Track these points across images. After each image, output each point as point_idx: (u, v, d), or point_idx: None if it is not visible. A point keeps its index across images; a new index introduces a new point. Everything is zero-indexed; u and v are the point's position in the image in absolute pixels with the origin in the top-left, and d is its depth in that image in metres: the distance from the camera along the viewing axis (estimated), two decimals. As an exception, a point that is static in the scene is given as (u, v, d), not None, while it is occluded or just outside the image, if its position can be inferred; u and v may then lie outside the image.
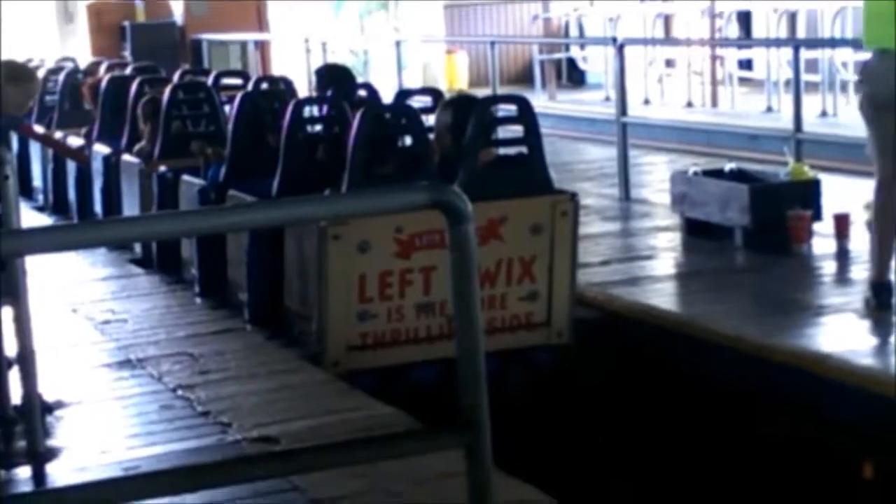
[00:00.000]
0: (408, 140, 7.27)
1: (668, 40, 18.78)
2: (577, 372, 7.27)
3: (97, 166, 10.13)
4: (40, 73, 11.68)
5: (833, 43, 14.99)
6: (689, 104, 16.96)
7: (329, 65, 11.56)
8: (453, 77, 20.71)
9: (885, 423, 6.05)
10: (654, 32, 18.46)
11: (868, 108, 6.90)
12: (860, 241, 8.26)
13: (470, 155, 6.99)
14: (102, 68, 12.91)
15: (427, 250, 6.80)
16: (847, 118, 14.02)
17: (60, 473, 5.31)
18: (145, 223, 2.96)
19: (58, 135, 11.13)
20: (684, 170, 9.52)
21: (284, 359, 6.80)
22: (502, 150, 7.46)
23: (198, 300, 8.09)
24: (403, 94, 8.47)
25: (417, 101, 8.07)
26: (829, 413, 6.37)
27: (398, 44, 16.17)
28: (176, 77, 10.86)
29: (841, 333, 6.77)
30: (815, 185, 8.76)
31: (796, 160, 9.30)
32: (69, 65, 14.06)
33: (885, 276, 7.06)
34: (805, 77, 10.58)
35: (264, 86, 10.15)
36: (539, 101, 15.05)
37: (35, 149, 12.20)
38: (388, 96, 9.31)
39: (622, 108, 11.13)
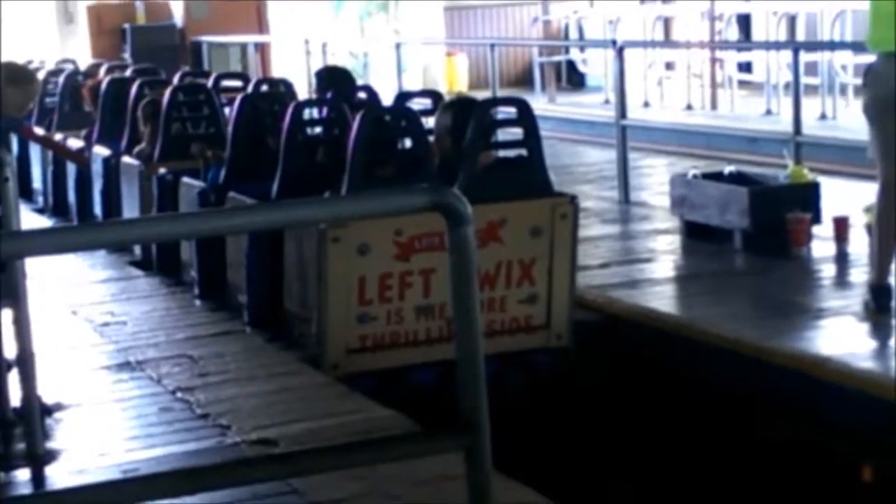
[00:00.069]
0: (408, 142, 7.27)
1: (668, 43, 18.79)
2: (577, 375, 7.27)
3: (97, 168, 10.13)
4: (40, 75, 11.68)
5: (832, 46, 15.00)
6: (689, 107, 16.96)
7: (329, 67, 11.57)
8: (453, 79, 20.72)
9: (884, 427, 6.05)
10: (653, 35, 18.47)
11: (872, 110, 6.89)
12: (859, 245, 8.26)
13: (470, 157, 6.99)
14: (102, 70, 12.90)
15: (427, 253, 6.80)
16: (846, 121, 14.04)
17: (59, 476, 5.31)
18: (145, 225, 2.96)
19: (58, 137, 11.13)
20: (684, 172, 9.52)
21: (284, 361, 6.80)
22: (502, 153, 7.46)
23: (197, 302, 8.09)
24: (403, 97, 8.47)
25: (417, 104, 8.07)
26: (829, 416, 6.37)
27: (398, 46, 16.18)
28: (176, 79, 10.86)
29: (840, 336, 6.77)
30: (814, 188, 8.75)
31: (796, 163, 9.30)
32: (69, 67, 14.06)
33: (885, 280, 7.05)
34: (804, 80, 10.59)
35: (264, 88, 10.16)
36: (539, 103, 15.04)
37: (35, 151, 12.20)
38: (387, 98, 9.32)
39: (622, 111, 11.13)
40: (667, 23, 19.14)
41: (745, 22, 18.44)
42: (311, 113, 8.21)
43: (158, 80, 10.90)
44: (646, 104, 17.23)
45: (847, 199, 9.23)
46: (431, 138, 7.33)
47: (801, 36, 16.77)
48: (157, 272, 8.88)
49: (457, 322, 2.83)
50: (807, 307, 7.37)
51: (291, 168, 7.51)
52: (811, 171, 9.09)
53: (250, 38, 19.95)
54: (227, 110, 9.24)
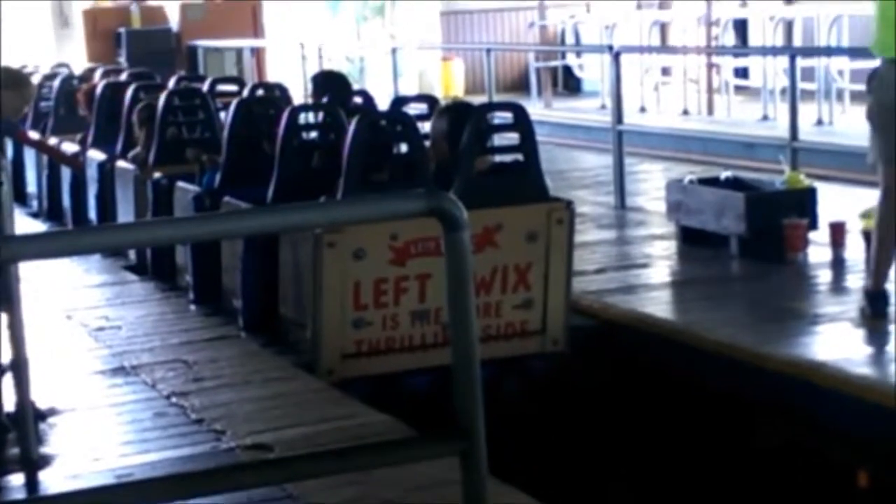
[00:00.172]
0: (403, 147, 7.26)
1: (665, 48, 18.78)
2: (573, 380, 7.26)
3: (92, 173, 10.12)
4: (35, 79, 11.67)
5: (829, 51, 14.99)
6: (685, 112, 16.96)
7: (325, 71, 11.55)
8: (449, 84, 20.71)
9: (880, 432, 6.05)
10: (650, 40, 18.46)
11: (877, 116, 6.87)
12: (856, 250, 8.25)
13: (466, 162, 6.98)
14: (98, 74, 12.90)
15: (422, 258, 6.79)
16: (843, 127, 14.04)
17: (54, 481, 5.30)
18: (140, 230, 2.95)
19: (52, 141, 11.11)
20: (680, 178, 9.51)
21: (279, 366, 6.79)
22: (498, 158, 7.45)
23: (192, 307, 8.08)
24: (399, 101, 8.46)
25: (413, 109, 8.07)
26: (825, 421, 6.36)
27: (394, 51, 16.18)
28: (171, 83, 10.85)
29: (836, 342, 6.76)
30: (810, 194, 8.75)
31: (792, 168, 9.29)
32: (64, 71, 14.05)
33: (882, 286, 7.05)
34: (801, 85, 10.59)
35: (260, 92, 10.15)
36: (535, 108, 15.04)
37: (30, 155, 12.18)
38: (383, 103, 9.31)
39: (618, 116, 11.12)
40: (663, 28, 19.14)
41: (741, 27, 18.45)
42: (306, 117, 8.21)
43: (154, 85, 10.90)
44: (642, 109, 17.21)
45: (843, 204, 9.23)
46: (427, 143, 7.33)
47: (797, 41, 16.77)
48: (151, 277, 8.87)
49: (452, 327, 2.82)
50: (803, 313, 7.36)
51: (287, 173, 7.50)
52: (807, 177, 9.09)
53: (246, 43, 19.94)
54: (222, 115, 9.23)
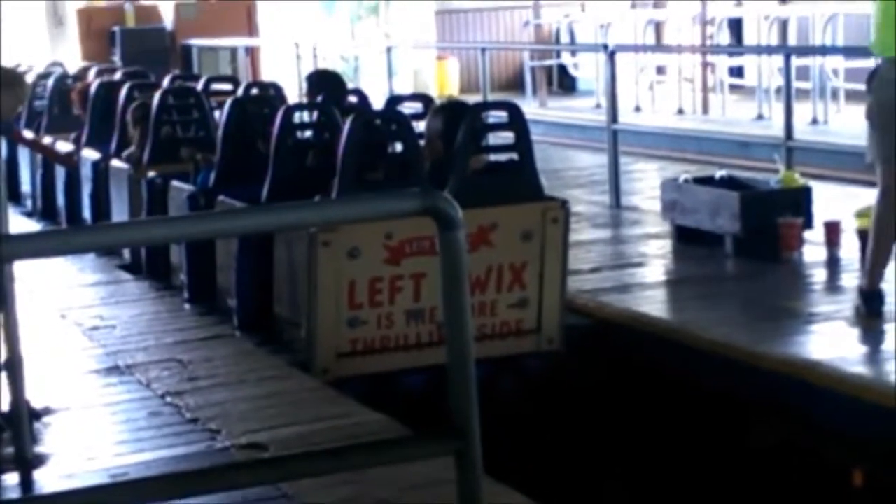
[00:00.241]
0: (398, 146, 7.25)
1: (659, 47, 18.80)
2: (568, 379, 7.26)
3: (86, 172, 10.11)
4: (29, 78, 11.66)
5: (824, 50, 15.01)
6: (680, 111, 16.96)
7: (319, 70, 11.54)
8: (444, 83, 20.71)
9: (875, 432, 6.05)
10: (645, 39, 18.47)
11: (876, 115, 6.87)
12: (851, 249, 8.25)
13: (460, 161, 6.98)
14: (92, 73, 12.88)
15: (417, 257, 6.78)
16: (838, 126, 14.05)
17: (48, 480, 5.29)
18: (134, 229, 2.95)
19: (47, 140, 11.11)
20: (675, 177, 9.51)
21: (274, 365, 6.78)
22: (493, 157, 7.45)
23: (187, 306, 8.07)
24: (394, 101, 8.45)
25: (408, 108, 8.06)
26: (820, 421, 6.36)
27: (389, 50, 16.17)
28: (165, 82, 10.84)
29: (831, 341, 6.76)
30: (805, 193, 8.75)
31: (787, 168, 9.30)
32: (58, 70, 14.04)
33: (877, 285, 7.05)
34: (796, 84, 10.58)
35: (254, 91, 10.13)
36: (530, 107, 15.04)
37: (24, 154, 12.17)
38: (378, 102, 9.30)
39: (613, 115, 11.12)
40: (658, 27, 19.15)
41: (736, 26, 18.46)
42: (301, 117, 8.20)
43: (148, 84, 10.89)
44: (637, 108, 17.22)
45: (838, 203, 9.23)
46: (422, 142, 7.32)
47: (792, 40, 16.78)
48: (146, 276, 8.86)
49: (447, 326, 2.82)
50: (798, 312, 7.36)
51: (281, 172, 7.49)
52: (802, 176, 9.10)
53: (241, 42, 19.93)
54: (216, 114, 9.22)
